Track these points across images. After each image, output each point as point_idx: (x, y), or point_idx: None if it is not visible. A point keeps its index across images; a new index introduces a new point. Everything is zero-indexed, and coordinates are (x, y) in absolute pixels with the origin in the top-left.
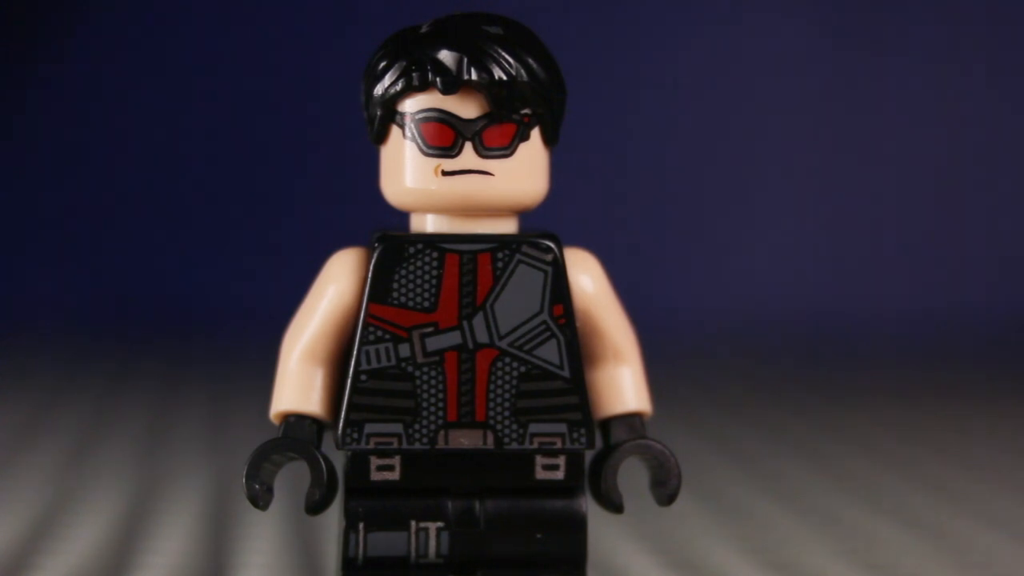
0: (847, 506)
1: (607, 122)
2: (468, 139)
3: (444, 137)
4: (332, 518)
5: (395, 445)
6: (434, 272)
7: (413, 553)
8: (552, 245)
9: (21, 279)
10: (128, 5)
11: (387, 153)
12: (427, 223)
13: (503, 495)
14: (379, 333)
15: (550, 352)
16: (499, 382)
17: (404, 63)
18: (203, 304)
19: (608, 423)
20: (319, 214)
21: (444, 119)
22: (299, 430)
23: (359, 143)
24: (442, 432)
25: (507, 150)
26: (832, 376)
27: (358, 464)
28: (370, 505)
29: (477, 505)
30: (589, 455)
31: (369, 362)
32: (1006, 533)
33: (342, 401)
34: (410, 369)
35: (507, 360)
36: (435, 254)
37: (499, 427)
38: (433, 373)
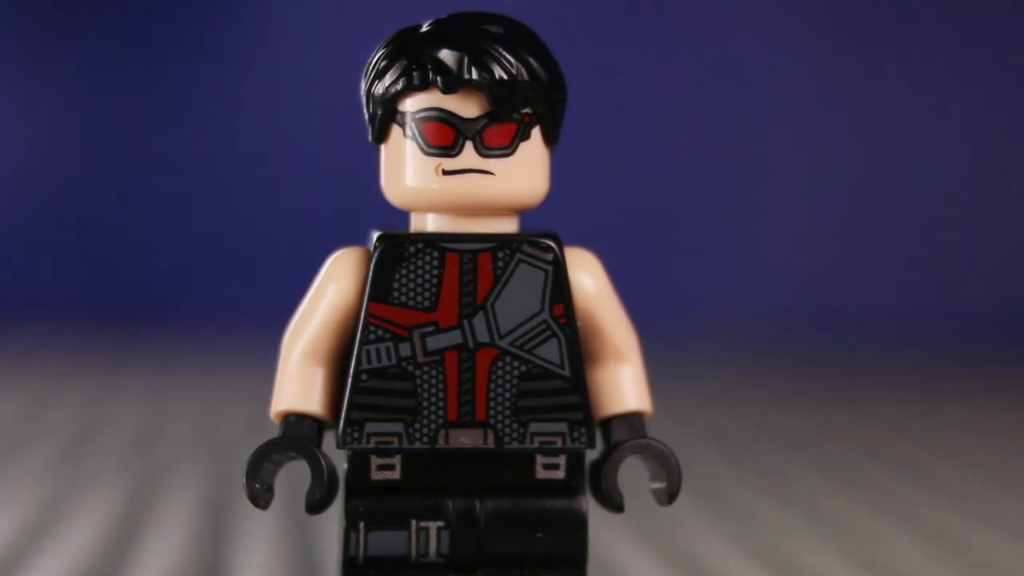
0: (847, 506)
1: (608, 122)
2: (469, 138)
3: (445, 136)
4: (332, 518)
5: (395, 444)
6: (434, 271)
7: (414, 552)
8: (553, 244)
9: (22, 279)
10: (129, 3)
11: (387, 152)
12: (427, 222)
13: (504, 494)
14: (379, 332)
15: (550, 351)
16: (499, 381)
17: (405, 62)
18: (203, 303)
19: (608, 422)
20: (319, 214)
21: (445, 118)
22: (299, 429)
23: (359, 142)
24: (442, 431)
25: (508, 149)
26: (832, 376)
27: (359, 463)
28: (371, 504)
29: (478, 504)
30: (590, 454)
31: (370, 361)
32: (1006, 533)
33: (342, 400)
34: (410, 368)
35: (507, 359)
36: (435, 253)
37: (499, 426)
38: (433, 372)
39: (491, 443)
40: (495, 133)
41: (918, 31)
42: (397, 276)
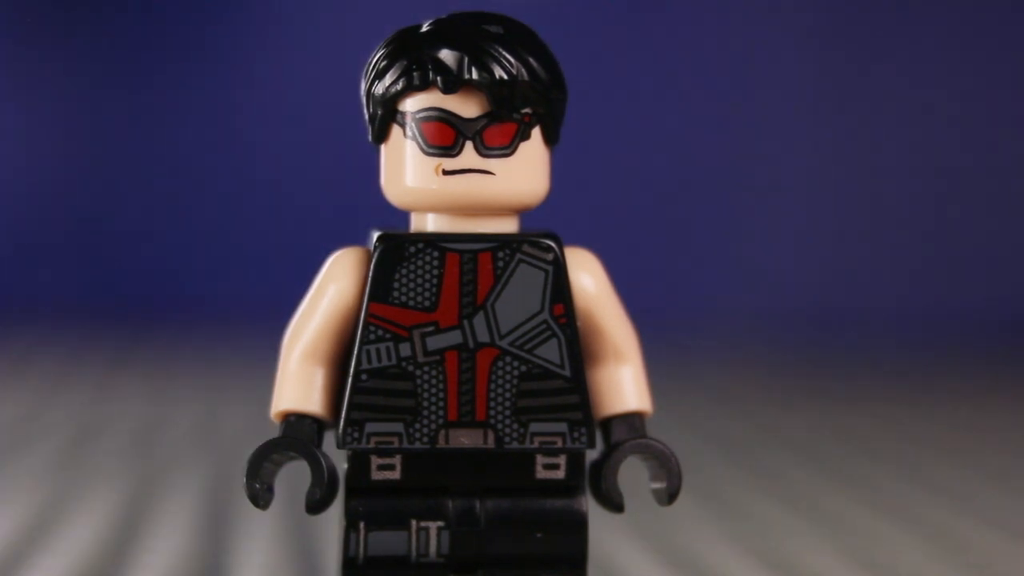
0: (847, 506)
1: (608, 122)
2: (469, 138)
3: (445, 136)
4: (332, 518)
5: (396, 444)
6: (435, 271)
7: (414, 552)
8: (553, 244)
9: (22, 279)
10: (129, 3)
11: (388, 152)
12: (428, 222)
13: (504, 494)
14: (380, 332)
15: (551, 351)
16: (500, 381)
17: (405, 62)
18: (203, 303)
19: (608, 422)
20: (319, 214)
21: (445, 118)
22: (299, 429)
23: (359, 142)
24: (443, 431)
25: (508, 149)
26: (833, 376)
27: (359, 463)
28: (371, 504)
29: (478, 504)
30: (590, 454)
31: (370, 361)
32: (1006, 533)
33: (343, 400)
34: (411, 368)
35: (508, 359)
36: (435, 253)
37: (500, 426)
38: (434, 372)
39: (491, 443)
40: (495, 133)
41: (918, 31)
42: (397, 276)
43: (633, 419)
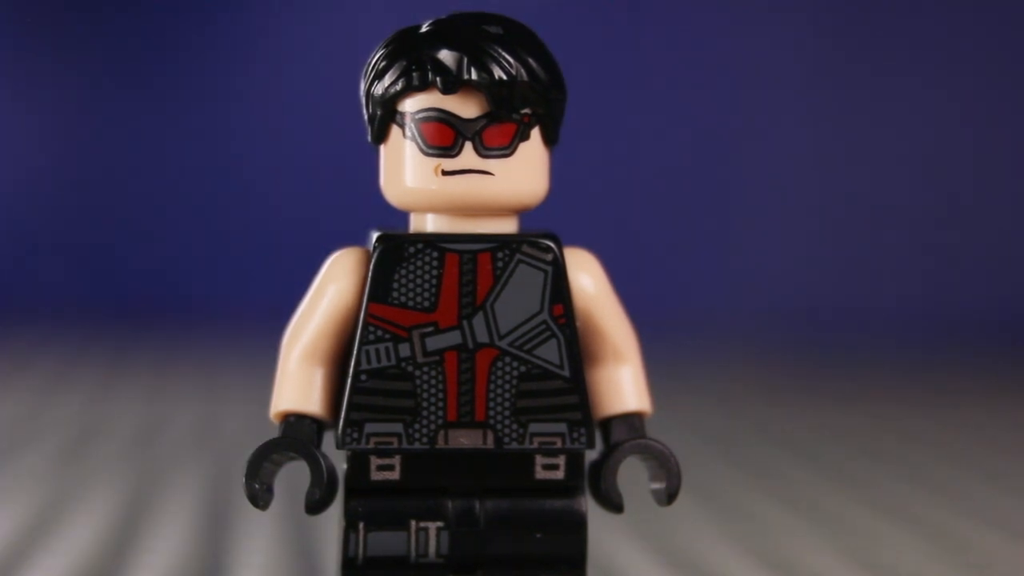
0: (847, 506)
1: (607, 122)
2: (468, 139)
3: (444, 137)
4: (332, 518)
5: (395, 445)
6: (434, 272)
7: (413, 553)
8: (552, 245)
9: (22, 279)
10: (129, 4)
11: (387, 153)
12: (427, 223)
13: (503, 495)
14: (379, 333)
15: (550, 352)
16: (499, 382)
17: (404, 63)
18: (203, 303)
19: (608, 423)
20: (319, 214)
21: (444, 119)
22: (299, 430)
23: (359, 142)
24: (442, 432)
25: (507, 150)
26: (832, 376)
27: (358, 464)
28: (370, 505)
29: (477, 505)
30: (589, 455)
31: (369, 362)
32: (1006, 533)
33: (342, 401)
34: (410, 369)
35: (507, 360)
36: (435, 254)
37: (499, 427)
38: (433, 373)
39: (491, 443)
40: (494, 133)
41: (918, 30)
42: (397, 276)
43: (633, 419)
